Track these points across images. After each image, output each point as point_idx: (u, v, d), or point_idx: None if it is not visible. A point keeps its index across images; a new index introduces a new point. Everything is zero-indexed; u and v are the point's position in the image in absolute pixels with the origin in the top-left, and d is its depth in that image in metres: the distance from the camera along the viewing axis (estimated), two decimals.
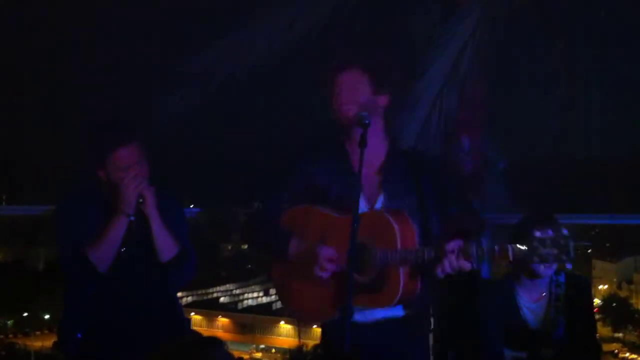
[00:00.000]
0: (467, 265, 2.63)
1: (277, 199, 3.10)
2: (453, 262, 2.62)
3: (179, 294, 3.67)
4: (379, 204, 2.96)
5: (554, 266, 3.67)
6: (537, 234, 2.53)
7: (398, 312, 2.94)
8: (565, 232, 2.49)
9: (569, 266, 3.28)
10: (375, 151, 2.98)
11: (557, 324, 3.63)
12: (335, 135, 3.10)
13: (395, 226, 2.76)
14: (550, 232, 2.49)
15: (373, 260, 2.77)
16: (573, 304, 3.66)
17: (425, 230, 2.87)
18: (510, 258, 2.58)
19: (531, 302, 3.69)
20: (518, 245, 2.56)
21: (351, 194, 2.83)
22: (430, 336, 3.10)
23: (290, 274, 3.03)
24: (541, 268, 3.61)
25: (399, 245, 2.74)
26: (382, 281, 2.76)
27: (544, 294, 3.67)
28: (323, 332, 3.11)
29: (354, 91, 2.94)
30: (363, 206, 2.92)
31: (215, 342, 2.18)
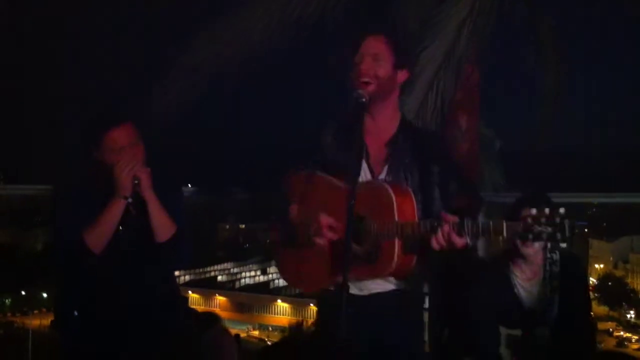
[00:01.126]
0: (460, 241, 2.62)
1: (283, 167, 3.07)
2: (446, 235, 2.61)
3: (177, 273, 3.68)
4: (382, 176, 2.96)
5: (545, 253, 3.68)
6: (532, 211, 2.50)
7: (392, 285, 2.95)
8: (561, 210, 2.46)
9: (563, 245, 3.32)
10: (386, 124, 2.96)
11: (551, 303, 3.66)
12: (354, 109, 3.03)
13: (394, 198, 2.73)
14: (546, 210, 2.46)
15: (369, 231, 2.75)
16: (568, 283, 3.68)
17: (426, 208, 2.87)
18: (504, 235, 2.57)
19: (525, 281, 3.72)
20: (513, 222, 2.56)
21: (357, 165, 2.82)
22: (425, 313, 3.12)
23: (288, 240, 3.00)
24: (531, 254, 3.64)
25: (396, 218, 2.71)
26: (378, 252, 2.74)
27: (538, 273, 3.70)
28: (319, 307, 3.14)
29: (376, 63, 2.89)
30: (366, 176, 2.92)
31: (212, 318, 2.22)
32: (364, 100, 2.78)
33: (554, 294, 3.65)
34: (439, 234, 2.58)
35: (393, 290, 2.93)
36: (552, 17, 5.48)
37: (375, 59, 2.87)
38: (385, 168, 2.92)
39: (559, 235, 2.42)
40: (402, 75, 2.92)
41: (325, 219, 2.80)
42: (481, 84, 5.19)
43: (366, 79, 2.85)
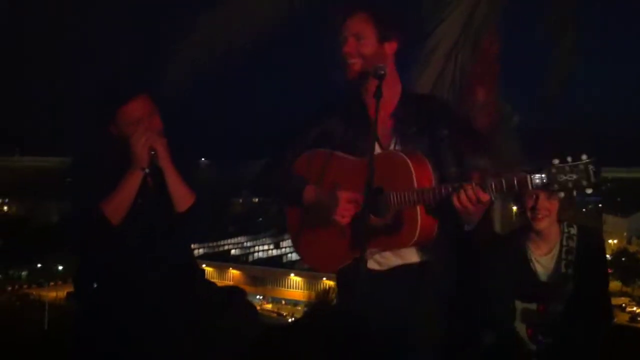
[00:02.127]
0: (484, 196, 2.56)
1: (292, 147, 3.06)
2: (470, 191, 2.53)
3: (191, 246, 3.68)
4: (390, 147, 2.93)
5: (551, 217, 3.64)
6: (555, 161, 2.44)
7: (413, 257, 2.93)
8: (584, 156, 2.40)
9: (589, 192, 3.27)
10: (387, 96, 2.86)
11: (567, 278, 3.63)
12: (352, 86, 3.04)
13: (411, 165, 2.70)
14: (568, 158, 2.40)
15: (388, 202, 2.72)
16: (585, 257, 3.64)
17: (440, 172, 2.84)
18: (530, 187, 2.52)
19: (541, 256, 3.69)
20: (536, 174, 2.50)
21: (366, 139, 2.82)
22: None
23: (306, 221, 2.97)
24: (544, 228, 3.60)
25: (415, 185, 2.67)
26: (400, 222, 2.71)
27: (554, 247, 3.67)
28: (338, 283, 3.13)
29: (358, 42, 2.87)
30: (377, 149, 2.89)
31: (236, 291, 2.21)
32: (382, 72, 2.76)
33: (570, 269, 3.63)
34: (463, 193, 2.55)
35: (414, 264, 2.91)
36: None
37: (357, 38, 2.85)
38: (393, 139, 2.91)
39: (585, 182, 2.38)
40: (390, 47, 2.90)
41: (345, 194, 2.78)
42: (501, 56, 5.13)
43: (351, 60, 2.84)
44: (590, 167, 2.37)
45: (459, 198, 2.56)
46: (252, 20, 5.33)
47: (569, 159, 2.39)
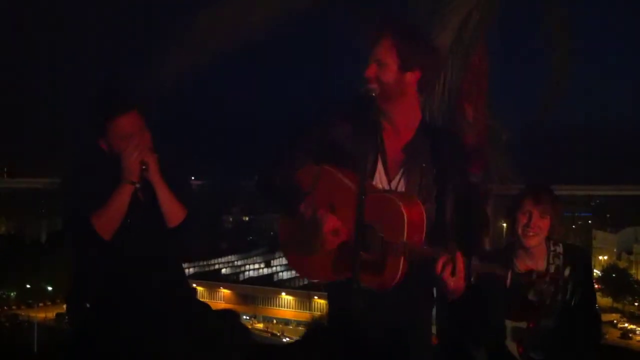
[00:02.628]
0: (463, 284, 2.62)
1: (299, 150, 3.03)
2: (448, 275, 2.59)
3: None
4: (396, 180, 2.91)
5: (542, 236, 3.66)
6: (534, 275, 2.56)
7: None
8: (566, 272, 2.55)
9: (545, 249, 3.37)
10: (407, 126, 2.92)
11: (555, 294, 3.63)
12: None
13: (405, 216, 2.68)
14: (550, 269, 2.53)
15: (377, 244, 2.73)
16: (572, 275, 3.65)
17: (438, 212, 2.84)
18: (507, 285, 2.60)
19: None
20: (518, 275, 2.64)
21: (373, 166, 2.85)
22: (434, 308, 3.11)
23: (295, 233, 2.98)
24: (527, 240, 3.62)
25: (405, 233, 2.68)
26: (383, 265, 2.72)
27: (540, 265, 3.67)
28: (330, 297, 3.11)
29: (379, 68, 2.85)
30: (382, 179, 2.89)
31: (230, 314, 2.19)
32: (373, 94, 2.77)
33: (557, 286, 3.64)
34: (446, 269, 2.59)
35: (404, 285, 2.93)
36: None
37: (379, 64, 2.85)
38: (401, 172, 2.90)
39: (559, 296, 2.49)
40: (412, 77, 2.88)
41: (330, 222, 2.78)
42: (489, 75, 5.17)
43: (370, 85, 2.83)
44: (569, 284, 2.48)
45: (441, 270, 2.61)
46: (249, 21, 5.34)
47: (551, 268, 2.48)
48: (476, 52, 4.91)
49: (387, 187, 2.89)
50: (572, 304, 3.60)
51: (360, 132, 2.84)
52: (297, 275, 3.24)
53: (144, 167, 3.19)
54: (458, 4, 4.71)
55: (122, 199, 3.19)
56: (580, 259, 3.74)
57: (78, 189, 3.30)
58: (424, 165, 2.86)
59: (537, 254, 3.65)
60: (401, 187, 2.88)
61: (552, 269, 3.61)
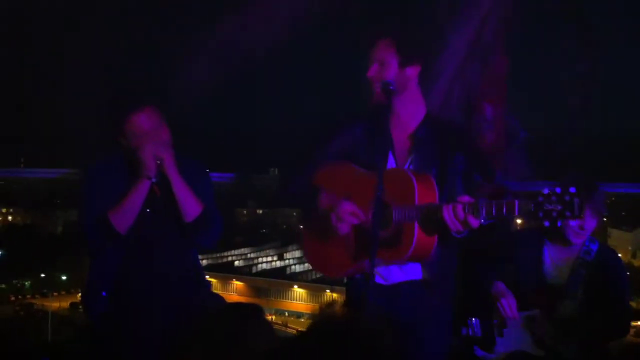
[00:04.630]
0: (473, 221, 2.66)
1: (312, 161, 3.13)
2: (460, 214, 2.66)
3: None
4: (407, 166, 3.01)
5: (587, 235, 3.65)
6: (545, 190, 2.54)
7: (417, 275, 3.00)
8: (572, 189, 2.49)
9: (573, 223, 3.36)
10: (411, 117, 3.05)
11: (574, 288, 3.63)
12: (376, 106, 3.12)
13: (415, 184, 2.81)
14: (557, 189, 2.49)
15: (390, 216, 2.83)
16: (600, 274, 3.65)
17: (449, 195, 2.90)
18: (516, 212, 2.61)
19: (560, 259, 3.70)
20: (525, 201, 2.59)
21: (383, 158, 2.94)
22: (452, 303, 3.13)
23: (314, 226, 3.09)
24: (572, 235, 3.62)
25: (416, 202, 2.79)
26: (399, 236, 2.82)
27: (572, 257, 3.69)
28: (347, 294, 3.18)
29: (381, 67, 3.00)
30: (391, 165, 3.01)
31: (256, 311, 2.19)
32: (392, 88, 2.87)
33: (579, 281, 3.65)
34: (454, 212, 2.64)
35: (418, 280, 2.98)
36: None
37: (381, 64, 2.99)
38: (409, 159, 3.02)
39: (568, 214, 2.48)
40: (412, 71, 3.01)
41: (346, 206, 2.88)
42: (509, 73, 5.17)
43: (376, 84, 2.98)
44: (576, 200, 2.46)
45: (450, 219, 2.65)
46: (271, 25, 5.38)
47: (558, 189, 2.48)
48: (496, 52, 4.90)
49: None
50: (594, 293, 3.63)
51: (373, 133, 3.00)
52: (310, 268, 3.34)
53: (159, 162, 3.21)
54: (478, 3, 4.70)
55: (138, 194, 3.22)
56: (611, 260, 3.78)
57: (98, 185, 3.33)
58: (430, 153, 2.96)
59: (575, 246, 3.70)
60: None
61: (579, 263, 3.65)
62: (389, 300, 2.96)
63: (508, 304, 3.54)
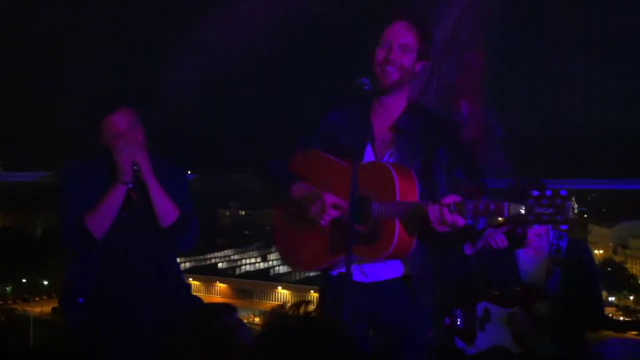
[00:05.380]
0: (460, 221, 2.58)
1: (301, 140, 3.06)
2: (447, 215, 2.57)
3: (177, 259, 3.67)
4: (385, 159, 2.94)
5: (550, 236, 3.71)
6: (535, 193, 2.50)
7: (398, 272, 2.96)
8: (563, 192, 2.47)
9: (563, 227, 3.37)
10: (394, 109, 2.97)
11: (550, 279, 3.67)
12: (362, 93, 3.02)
13: (396, 179, 2.71)
14: (548, 192, 2.46)
15: (370, 211, 2.74)
16: (573, 268, 3.69)
17: (431, 191, 2.86)
18: (505, 215, 2.57)
19: (530, 265, 3.74)
20: (514, 203, 2.52)
21: (362, 148, 2.88)
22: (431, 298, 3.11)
23: (290, 218, 3.02)
24: (534, 238, 3.68)
25: (397, 197, 2.69)
26: (378, 232, 2.72)
27: (543, 257, 3.73)
28: (321, 293, 3.10)
29: (402, 53, 2.88)
30: (371, 158, 2.94)
31: (228, 309, 2.19)
32: (367, 88, 2.79)
33: (555, 274, 3.68)
34: (440, 213, 2.57)
35: (399, 277, 2.94)
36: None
37: (403, 49, 2.87)
38: (389, 150, 2.94)
39: (559, 217, 2.44)
40: (419, 66, 2.94)
41: (330, 198, 2.81)
42: (487, 70, 5.18)
43: (390, 68, 2.86)
44: (567, 203, 2.44)
45: (437, 218, 2.58)
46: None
47: (548, 192, 2.46)
48: (473, 49, 4.92)
49: None
50: (570, 289, 3.65)
51: (353, 121, 2.93)
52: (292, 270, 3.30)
53: (135, 167, 3.19)
54: (453, 1, 4.72)
55: (114, 198, 3.20)
56: (582, 254, 3.81)
57: (76, 188, 3.31)
58: (413, 146, 2.89)
59: (541, 244, 3.73)
60: None
61: (551, 259, 3.68)
62: (370, 300, 2.89)
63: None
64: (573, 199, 2.47)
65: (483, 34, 4.92)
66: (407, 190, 2.72)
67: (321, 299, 3.09)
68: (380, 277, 2.94)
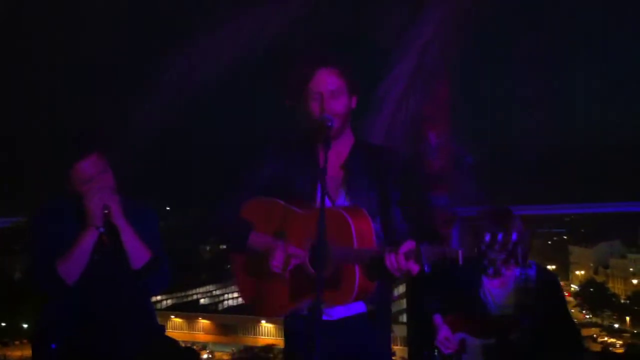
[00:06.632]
0: (415, 268, 2.61)
1: (241, 190, 3.06)
2: (402, 262, 2.60)
3: (159, 297, 3.67)
4: (340, 200, 2.96)
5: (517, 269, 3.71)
6: (486, 237, 2.53)
7: (361, 308, 2.98)
8: (514, 237, 2.50)
9: (516, 272, 3.44)
10: (340, 148, 2.97)
11: (522, 312, 3.68)
12: (301, 133, 3.03)
13: (352, 224, 2.71)
14: (499, 237, 2.49)
15: (329, 257, 2.72)
16: (546, 297, 3.70)
17: (386, 225, 2.89)
18: (460, 262, 2.60)
19: (495, 288, 3.74)
20: (467, 250, 2.53)
21: (313, 190, 2.90)
22: (392, 331, 3.12)
23: (249, 266, 3.01)
24: (502, 268, 3.69)
25: (355, 243, 2.71)
26: (339, 278, 2.73)
27: (510, 287, 3.73)
28: (286, 333, 3.11)
29: (334, 100, 2.88)
30: (325, 199, 2.91)
31: (191, 354, 2.19)
32: (330, 124, 2.81)
33: (526, 303, 3.69)
34: (396, 261, 2.60)
35: (362, 312, 2.96)
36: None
37: (334, 96, 2.88)
38: (342, 193, 2.97)
39: (512, 261, 2.50)
40: (354, 101, 2.97)
41: (289, 248, 2.83)
42: (455, 98, 5.25)
43: (330, 117, 2.85)
44: (519, 247, 2.49)
45: (392, 265, 2.62)
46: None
47: (499, 237, 2.50)
48: (438, 78, 4.98)
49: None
50: (543, 318, 3.66)
51: (305, 161, 2.95)
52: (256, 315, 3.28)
53: (106, 211, 3.20)
54: (419, 33, 4.79)
55: (86, 244, 3.20)
56: (550, 284, 3.82)
57: (46, 233, 3.30)
58: (364, 182, 2.91)
59: (508, 276, 3.73)
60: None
61: (521, 291, 3.68)
62: (334, 336, 2.90)
63: (444, 339, 3.60)
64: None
65: (449, 64, 4.99)
66: (363, 234, 2.75)
67: (287, 340, 3.11)
68: (345, 314, 2.96)
